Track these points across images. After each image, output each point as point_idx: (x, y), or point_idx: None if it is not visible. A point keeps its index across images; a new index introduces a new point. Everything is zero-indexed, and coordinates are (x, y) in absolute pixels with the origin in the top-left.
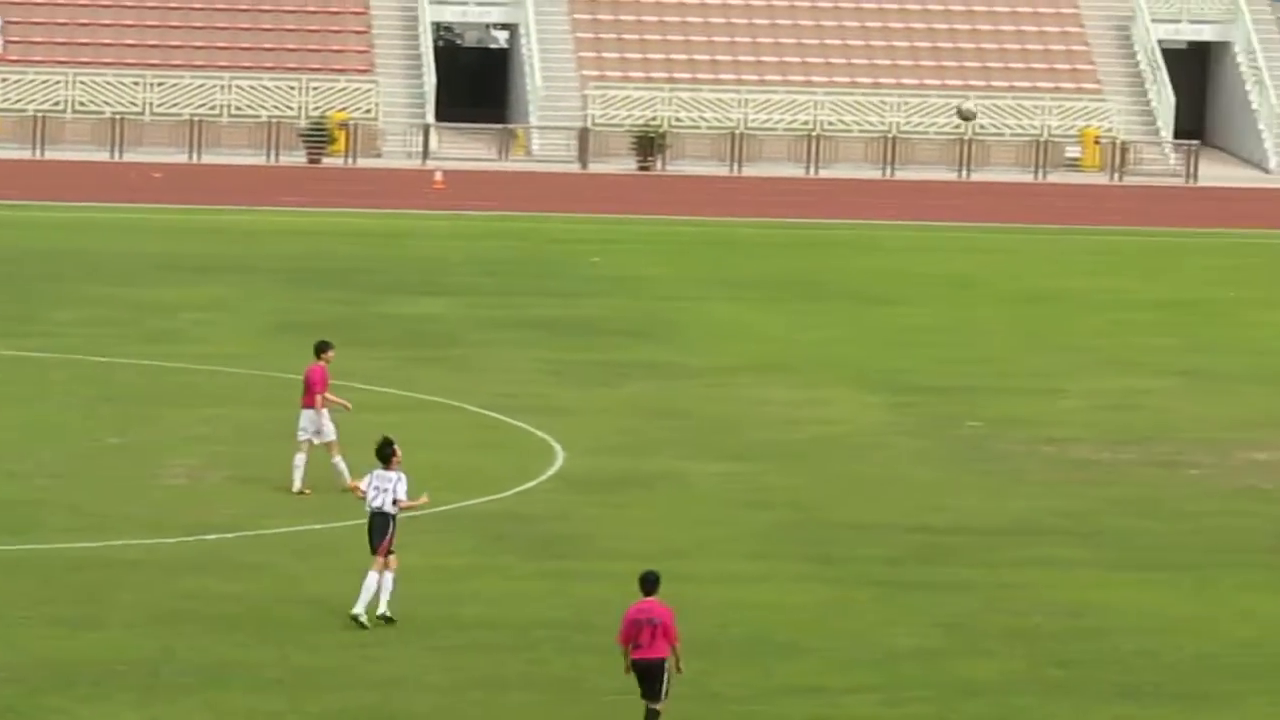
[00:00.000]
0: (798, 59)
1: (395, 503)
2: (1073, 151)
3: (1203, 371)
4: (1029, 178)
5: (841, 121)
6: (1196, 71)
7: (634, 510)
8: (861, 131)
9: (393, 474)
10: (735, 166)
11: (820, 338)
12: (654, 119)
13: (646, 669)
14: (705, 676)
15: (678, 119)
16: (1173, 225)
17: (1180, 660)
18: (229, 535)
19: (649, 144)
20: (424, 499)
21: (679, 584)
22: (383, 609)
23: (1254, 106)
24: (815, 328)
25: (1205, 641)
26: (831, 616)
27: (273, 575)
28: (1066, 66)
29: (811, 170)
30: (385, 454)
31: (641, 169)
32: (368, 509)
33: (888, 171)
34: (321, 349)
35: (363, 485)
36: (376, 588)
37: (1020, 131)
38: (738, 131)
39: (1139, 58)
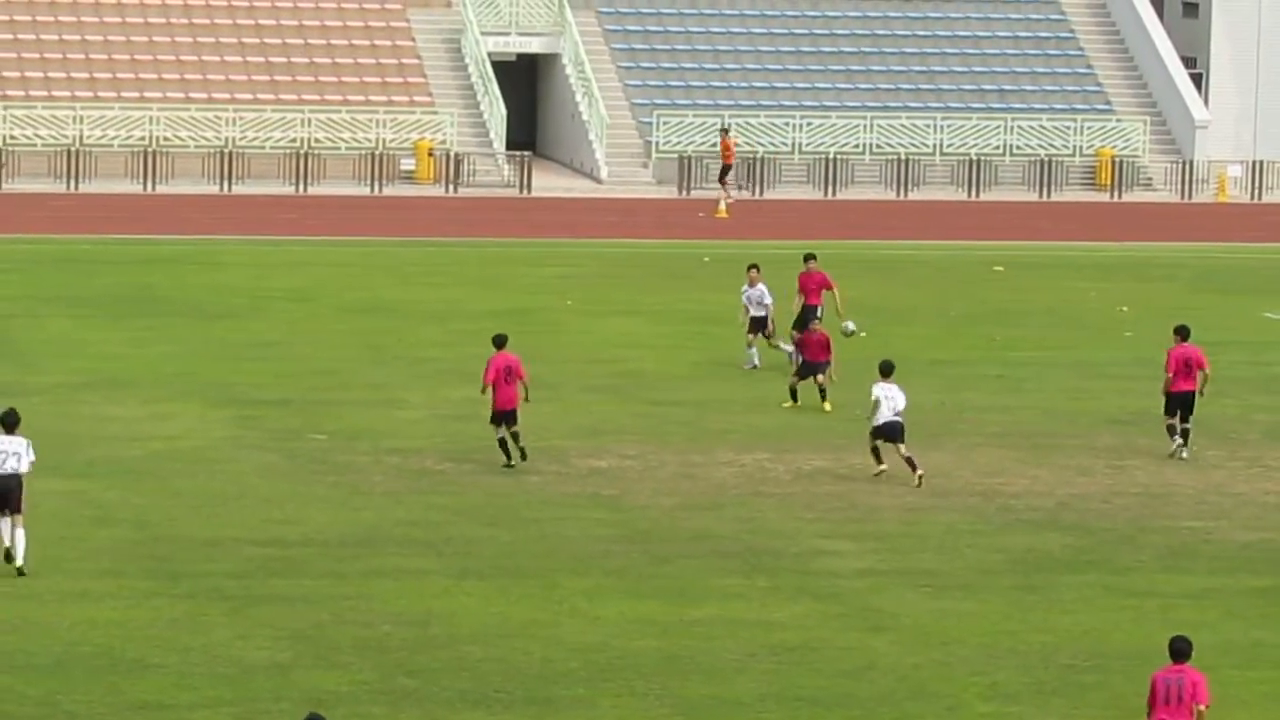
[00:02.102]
0: (131, 74)
1: (30, 464)
2: (408, 164)
3: (540, 380)
4: (366, 191)
5: (178, 137)
6: (527, 83)
7: None
8: (198, 147)
9: (21, 440)
10: (72, 183)
11: (161, 353)
12: None
13: None
14: (56, 695)
15: (13, 136)
16: (508, 235)
17: (528, 666)
18: None
19: None
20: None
21: (26, 603)
22: (20, 560)
23: (584, 117)
24: (155, 343)
25: (552, 647)
26: (181, 632)
27: None
28: (399, 79)
29: (149, 186)
30: (11, 421)
31: None
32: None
33: (225, 186)
34: None
35: None
36: (12, 539)
37: (355, 145)
38: (74, 148)
39: (470, 70)
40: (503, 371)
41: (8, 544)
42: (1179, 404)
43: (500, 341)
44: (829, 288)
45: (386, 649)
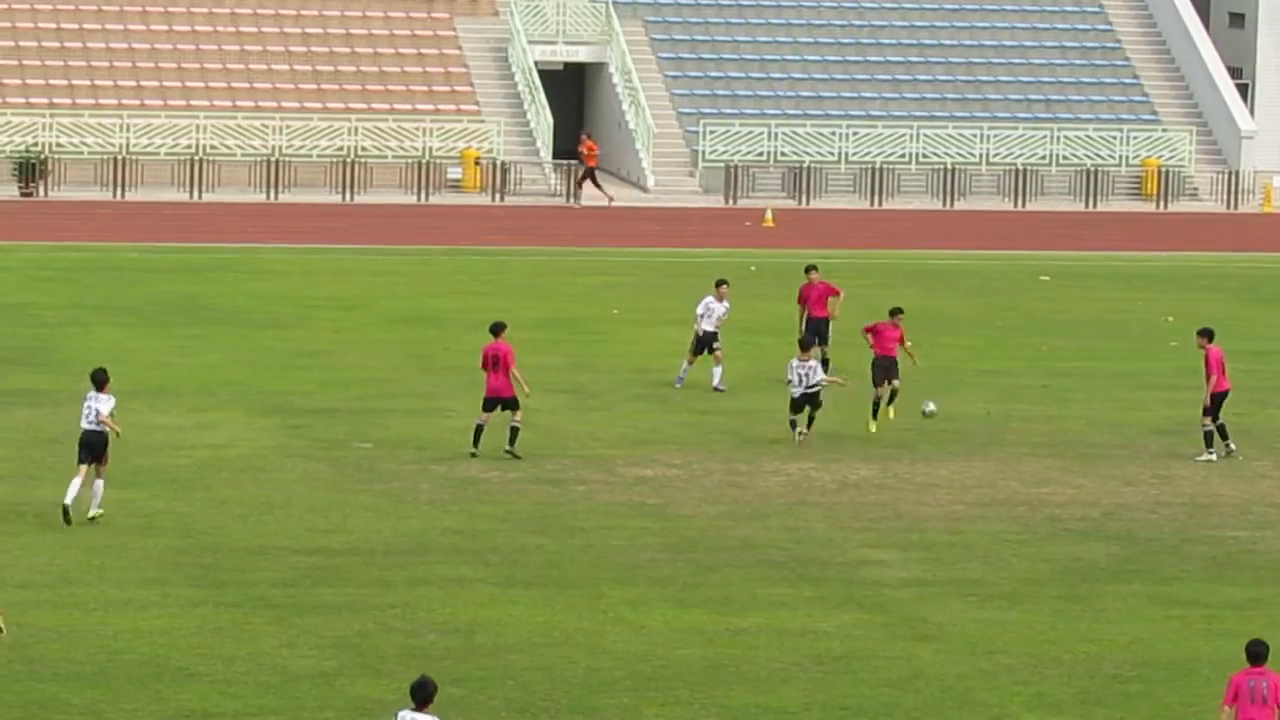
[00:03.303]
0: (178, 82)
1: (100, 418)
2: (454, 173)
3: (586, 389)
4: (413, 199)
5: (224, 145)
6: (574, 92)
7: (24, 538)
8: (245, 155)
9: (105, 397)
10: (119, 191)
11: (207, 362)
12: (35, 144)
13: None
14: (101, 704)
15: (59, 144)
16: (555, 245)
17: (573, 675)
18: None
19: (31, 169)
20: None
21: (70, 611)
22: (95, 511)
23: (631, 126)
24: (201, 352)
25: (597, 656)
26: (226, 641)
27: None
28: (446, 88)
29: (195, 194)
30: (101, 379)
31: (24, 195)
32: (85, 426)
33: (272, 195)
34: None
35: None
36: (81, 488)
37: (402, 153)
38: (120, 156)
39: (517, 79)
40: (490, 359)
41: (68, 501)
42: (1221, 402)
43: (494, 329)
44: (835, 294)
45: (431, 658)
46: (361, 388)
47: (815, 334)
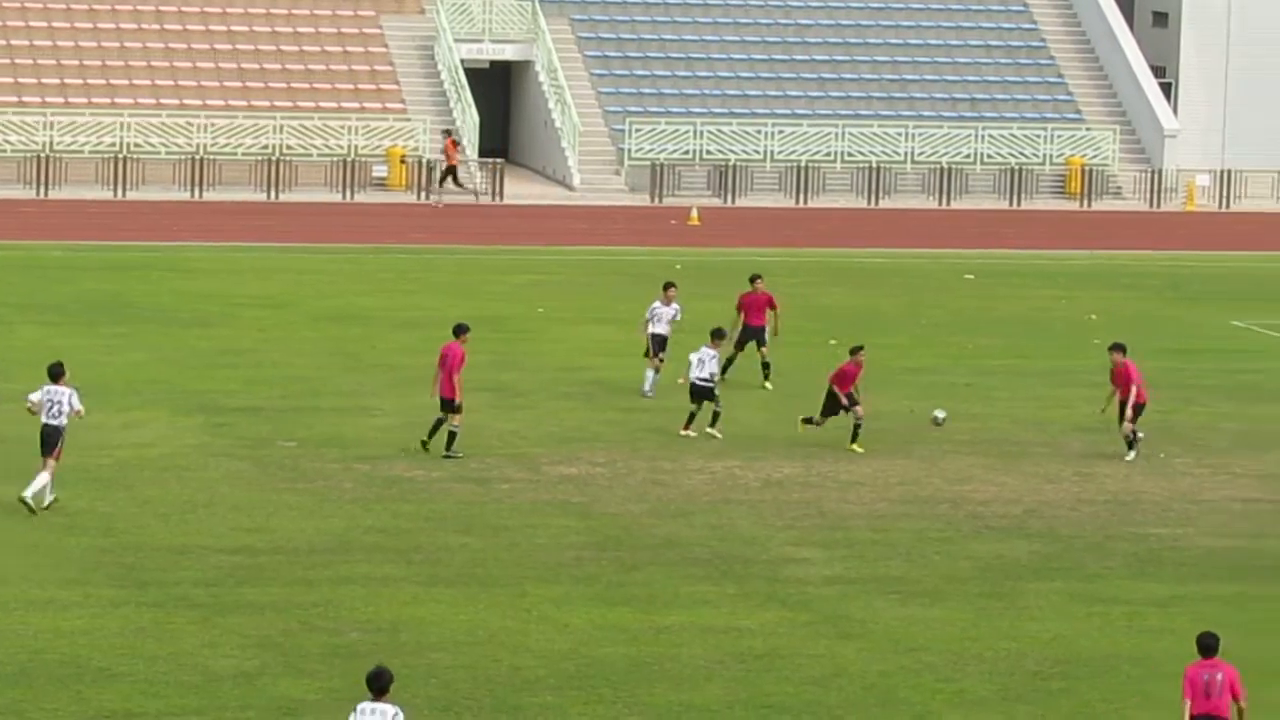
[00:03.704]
0: (102, 80)
1: (74, 412)
2: (380, 171)
3: (511, 388)
4: (338, 198)
5: (148, 143)
6: (500, 90)
7: None
8: (169, 153)
9: (65, 389)
10: (42, 189)
11: (131, 360)
12: None
13: None
14: (21, 703)
15: None
16: (480, 243)
17: (497, 673)
18: None
19: None
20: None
21: None
22: (30, 493)
23: (557, 124)
24: (126, 350)
25: (520, 655)
26: (148, 641)
27: None
28: (371, 86)
29: (119, 192)
30: (56, 372)
31: None
32: (45, 420)
33: (197, 193)
34: None
35: (35, 398)
36: (47, 481)
37: (328, 152)
38: (44, 154)
39: (443, 77)
40: (441, 360)
41: (45, 499)
42: (1139, 413)
43: (455, 330)
44: (774, 308)
45: (355, 656)
46: (286, 386)
47: (751, 339)
